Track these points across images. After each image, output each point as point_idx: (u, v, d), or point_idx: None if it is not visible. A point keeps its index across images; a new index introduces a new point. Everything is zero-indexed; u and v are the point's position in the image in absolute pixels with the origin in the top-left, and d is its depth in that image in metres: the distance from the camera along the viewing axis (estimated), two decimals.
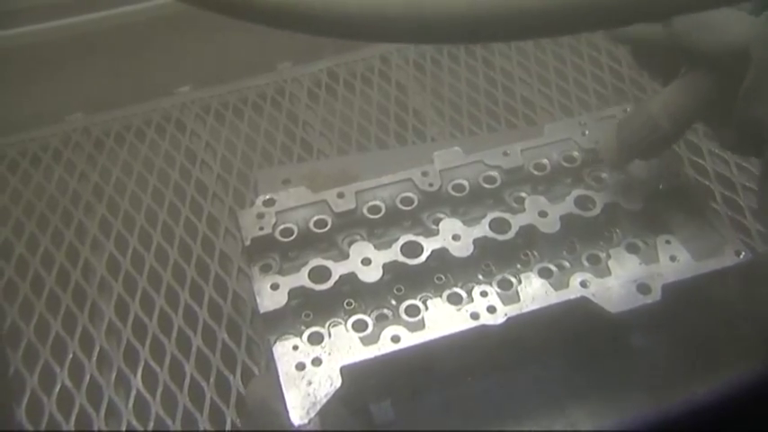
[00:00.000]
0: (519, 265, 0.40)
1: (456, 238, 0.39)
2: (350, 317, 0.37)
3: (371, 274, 0.38)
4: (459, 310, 0.37)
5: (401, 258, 0.39)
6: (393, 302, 0.39)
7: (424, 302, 0.38)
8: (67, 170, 0.59)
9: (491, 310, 0.37)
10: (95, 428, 0.44)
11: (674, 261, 0.39)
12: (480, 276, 0.40)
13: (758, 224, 0.41)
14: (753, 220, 0.50)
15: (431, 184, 0.42)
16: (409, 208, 0.42)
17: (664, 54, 0.36)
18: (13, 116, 0.62)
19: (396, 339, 0.36)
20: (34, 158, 0.60)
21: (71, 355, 0.47)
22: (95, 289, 0.51)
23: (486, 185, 0.43)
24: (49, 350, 0.47)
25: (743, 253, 0.39)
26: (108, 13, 0.62)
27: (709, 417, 0.21)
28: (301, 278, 0.38)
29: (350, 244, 0.40)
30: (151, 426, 0.44)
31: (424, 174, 0.43)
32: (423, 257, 0.39)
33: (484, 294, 0.37)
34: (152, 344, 0.47)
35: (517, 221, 0.40)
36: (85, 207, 0.56)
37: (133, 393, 0.45)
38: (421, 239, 0.39)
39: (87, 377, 0.46)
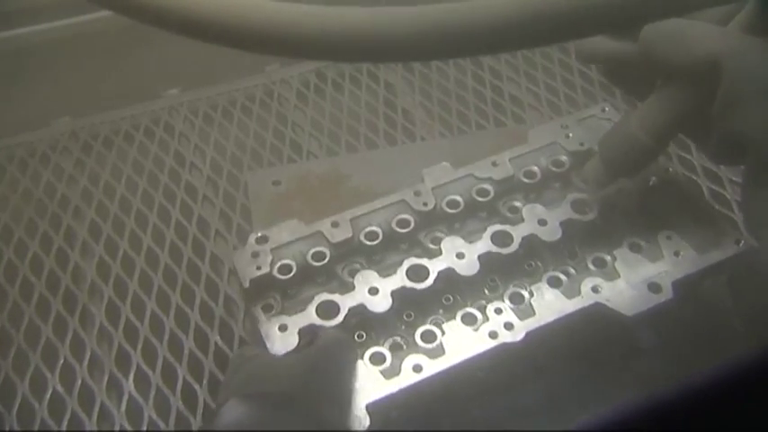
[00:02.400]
0: (523, 276, 0.39)
1: (460, 256, 0.39)
2: (365, 350, 0.36)
3: (381, 304, 0.37)
4: (476, 330, 0.36)
5: (408, 284, 0.38)
6: (403, 329, 0.38)
7: (440, 326, 0.37)
8: (55, 174, 0.58)
9: (508, 326, 0.36)
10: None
11: (678, 256, 0.38)
12: (487, 292, 0.39)
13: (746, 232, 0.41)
14: (740, 213, 0.50)
15: (425, 204, 0.41)
16: (406, 230, 0.41)
17: (636, 70, 0.36)
18: None
19: (417, 369, 0.35)
20: (21, 163, 0.59)
21: (62, 360, 0.47)
22: (86, 293, 0.50)
23: (480, 198, 0.42)
24: (39, 355, 0.47)
25: (742, 241, 0.39)
26: (95, 16, 0.62)
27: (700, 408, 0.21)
28: (309, 316, 0.37)
29: (350, 273, 0.39)
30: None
31: (417, 193, 0.42)
32: (430, 280, 0.38)
33: (498, 312, 0.37)
34: (144, 347, 0.47)
35: (519, 232, 0.39)
36: (74, 211, 0.56)
37: (125, 397, 0.45)
38: (425, 262, 0.38)
39: (79, 382, 0.46)
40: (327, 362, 0.34)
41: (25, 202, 0.56)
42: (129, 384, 0.45)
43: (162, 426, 0.43)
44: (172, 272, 0.51)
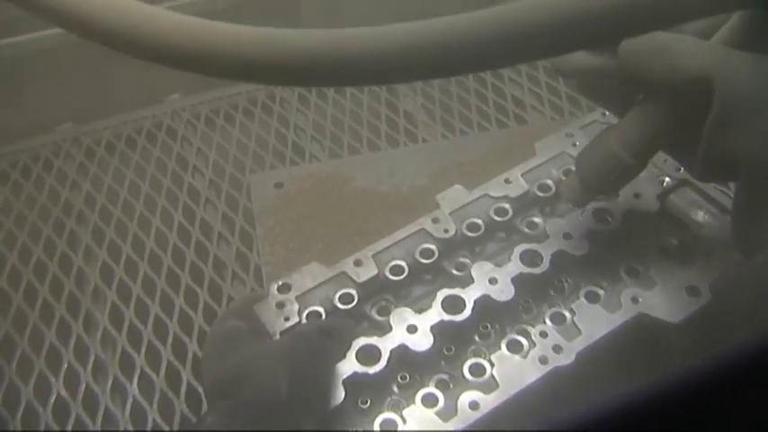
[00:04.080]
0: (552, 292, 0.38)
1: (493, 281, 0.37)
2: (414, 393, 0.34)
3: (423, 342, 0.35)
4: (525, 357, 0.35)
5: (446, 317, 0.36)
6: (446, 364, 0.36)
7: (487, 358, 0.35)
8: (59, 180, 0.58)
9: (557, 349, 0.34)
10: None
11: (711, 257, 0.37)
12: (524, 315, 0.37)
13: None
14: (732, 228, 0.49)
15: (446, 230, 0.40)
16: (431, 261, 0.39)
17: (614, 85, 0.34)
18: (2, 127, 0.62)
19: (474, 406, 0.33)
20: (24, 169, 0.59)
21: (66, 365, 0.47)
22: (89, 297, 0.50)
23: (498, 218, 0.41)
24: (43, 360, 0.47)
25: None
26: None
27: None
28: (351, 364, 0.34)
29: (379, 311, 0.37)
30: None
31: (435, 220, 0.40)
32: (468, 311, 0.36)
33: (544, 335, 0.35)
34: (147, 351, 0.47)
35: (547, 250, 0.38)
36: (78, 216, 0.56)
37: (130, 401, 0.45)
38: (458, 291, 0.37)
39: (83, 386, 0.46)
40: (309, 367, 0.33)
41: (29, 207, 0.56)
42: (134, 388, 0.45)
43: (166, 429, 0.43)
44: (175, 275, 0.51)
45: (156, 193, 0.56)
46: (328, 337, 0.35)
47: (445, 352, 0.36)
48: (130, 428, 0.44)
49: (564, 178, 0.41)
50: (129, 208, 0.56)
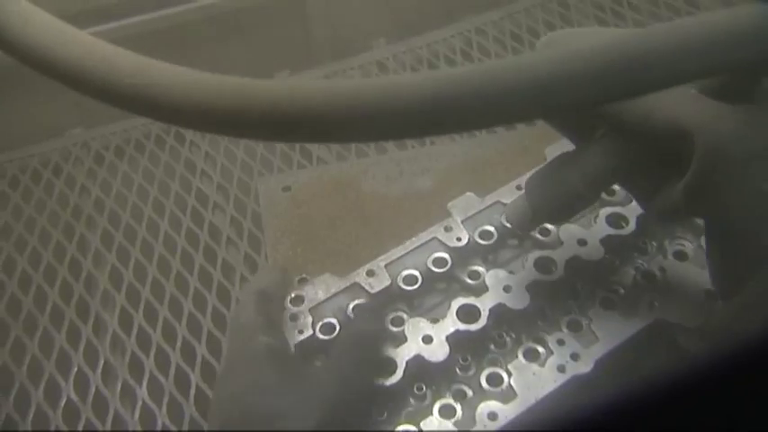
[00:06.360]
0: (568, 298, 0.37)
1: (508, 289, 0.37)
2: (432, 404, 0.34)
3: (439, 352, 0.35)
4: (542, 366, 0.34)
5: (462, 326, 0.36)
6: (462, 374, 0.36)
7: (504, 367, 0.35)
8: (68, 184, 0.59)
9: (575, 357, 0.34)
10: None
11: None
12: (540, 323, 0.37)
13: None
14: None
15: (458, 239, 0.39)
16: (444, 270, 0.39)
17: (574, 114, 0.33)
18: (13, 133, 0.62)
19: (493, 417, 0.33)
20: (35, 174, 0.60)
21: (76, 368, 0.47)
22: (98, 301, 0.51)
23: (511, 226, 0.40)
24: (53, 364, 0.47)
25: None
26: (101, 29, 0.62)
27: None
28: None
29: (394, 322, 0.37)
30: None
31: (447, 229, 0.40)
32: (483, 320, 0.36)
33: (561, 343, 0.35)
34: (157, 355, 0.47)
35: (561, 256, 0.38)
36: (87, 220, 0.56)
37: (139, 404, 0.45)
38: (473, 300, 0.37)
39: (93, 390, 0.46)
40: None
41: (38, 212, 0.57)
42: (143, 391, 0.45)
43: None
44: (184, 279, 0.51)
45: (165, 198, 0.57)
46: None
47: (461, 361, 0.36)
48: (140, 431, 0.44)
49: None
50: (138, 212, 0.56)
